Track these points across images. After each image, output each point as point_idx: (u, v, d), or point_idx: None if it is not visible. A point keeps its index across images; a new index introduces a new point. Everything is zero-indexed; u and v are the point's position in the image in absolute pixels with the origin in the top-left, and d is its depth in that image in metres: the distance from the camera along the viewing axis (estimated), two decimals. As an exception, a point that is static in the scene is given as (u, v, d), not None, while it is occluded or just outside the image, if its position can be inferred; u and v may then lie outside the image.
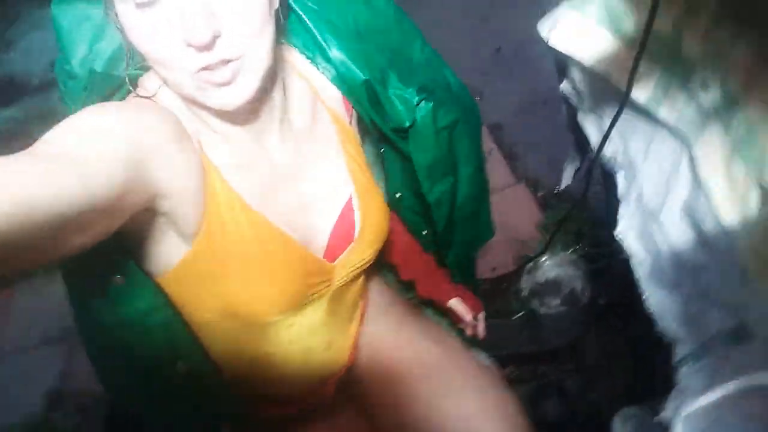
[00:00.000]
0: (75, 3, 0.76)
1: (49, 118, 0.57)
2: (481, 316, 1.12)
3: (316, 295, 0.82)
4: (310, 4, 0.78)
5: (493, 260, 1.75)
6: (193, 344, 0.81)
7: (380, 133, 0.86)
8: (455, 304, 1.09)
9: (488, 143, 2.17)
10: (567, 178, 1.28)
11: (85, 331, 0.80)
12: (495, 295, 1.70)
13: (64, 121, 0.56)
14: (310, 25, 0.77)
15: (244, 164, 0.72)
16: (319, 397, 0.94)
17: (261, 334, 0.80)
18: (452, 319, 1.14)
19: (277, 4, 0.67)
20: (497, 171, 2.08)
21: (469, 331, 1.11)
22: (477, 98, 2.20)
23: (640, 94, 0.65)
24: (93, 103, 0.67)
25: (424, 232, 1.01)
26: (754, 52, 0.52)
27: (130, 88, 0.67)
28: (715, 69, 0.54)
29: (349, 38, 0.79)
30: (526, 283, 1.68)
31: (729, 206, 0.55)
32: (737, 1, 0.53)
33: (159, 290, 0.75)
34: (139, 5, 0.57)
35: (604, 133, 0.75)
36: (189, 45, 0.57)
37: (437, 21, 1.85)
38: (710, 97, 0.56)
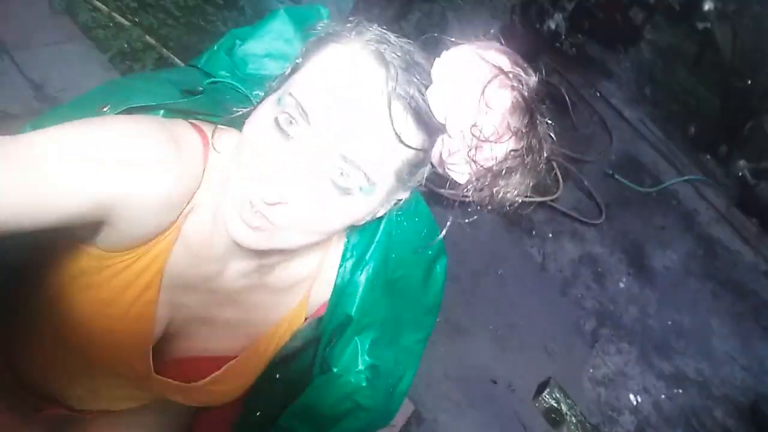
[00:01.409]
0: (294, 23, 0.79)
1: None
2: None
3: (121, 372, 0.75)
4: (394, 229, 0.76)
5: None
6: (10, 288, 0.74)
7: (317, 343, 0.82)
8: None
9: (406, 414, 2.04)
10: None
11: None
12: None
13: (100, 121, 0.56)
14: (375, 242, 0.75)
15: (200, 258, 0.67)
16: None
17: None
18: None
19: (363, 221, 0.64)
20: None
21: None
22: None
23: None
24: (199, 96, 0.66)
25: (257, 413, 0.94)
26: None
27: (218, 125, 0.65)
28: None
29: (382, 280, 0.76)
30: None
31: None
32: None
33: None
34: (277, 122, 0.56)
35: None
36: (260, 185, 0.56)
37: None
38: None
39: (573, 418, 2.19)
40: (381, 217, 0.73)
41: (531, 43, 3.49)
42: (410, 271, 0.80)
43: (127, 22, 2.07)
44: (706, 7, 4.25)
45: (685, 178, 3.84)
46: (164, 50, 2.09)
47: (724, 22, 4.10)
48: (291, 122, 0.55)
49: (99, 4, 2.06)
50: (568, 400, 2.23)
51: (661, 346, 2.75)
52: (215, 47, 0.80)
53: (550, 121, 0.57)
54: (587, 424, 2.23)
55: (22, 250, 0.70)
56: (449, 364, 2.14)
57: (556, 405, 2.20)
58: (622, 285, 2.95)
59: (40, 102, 1.86)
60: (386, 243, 0.76)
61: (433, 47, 0.57)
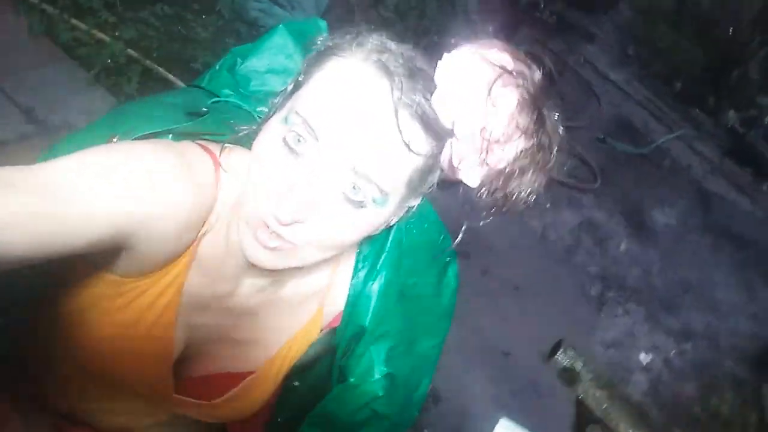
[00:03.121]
0: (294, 38, 0.76)
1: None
2: None
3: (142, 393, 0.73)
4: (404, 236, 0.74)
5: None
6: (23, 310, 0.72)
7: (333, 353, 0.79)
8: None
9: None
10: None
11: None
12: None
13: (124, 148, 0.54)
14: (385, 251, 0.73)
15: (214, 278, 0.66)
16: None
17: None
18: None
19: (377, 232, 0.63)
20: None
21: None
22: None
23: None
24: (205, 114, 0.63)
25: (279, 419, 0.92)
26: None
27: (225, 144, 0.63)
28: None
29: (395, 288, 0.74)
30: None
31: None
32: None
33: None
34: (286, 141, 0.54)
35: None
36: (274, 205, 0.54)
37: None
38: None
39: (588, 374, 2.18)
40: (391, 226, 0.71)
41: (511, 16, 3.43)
42: (423, 277, 0.78)
43: (107, 38, 2.00)
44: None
45: (676, 134, 3.79)
46: (148, 62, 2.03)
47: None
48: (299, 140, 0.54)
49: (77, 22, 1.99)
50: (581, 359, 2.21)
51: (667, 304, 2.73)
52: (217, 66, 0.78)
53: (557, 115, 0.54)
54: (602, 380, 2.21)
55: (40, 278, 0.68)
56: (460, 340, 2.12)
57: (569, 365, 2.19)
58: (623, 247, 2.92)
59: (31, 126, 1.82)
60: (397, 251, 0.74)
61: (433, 51, 0.54)
